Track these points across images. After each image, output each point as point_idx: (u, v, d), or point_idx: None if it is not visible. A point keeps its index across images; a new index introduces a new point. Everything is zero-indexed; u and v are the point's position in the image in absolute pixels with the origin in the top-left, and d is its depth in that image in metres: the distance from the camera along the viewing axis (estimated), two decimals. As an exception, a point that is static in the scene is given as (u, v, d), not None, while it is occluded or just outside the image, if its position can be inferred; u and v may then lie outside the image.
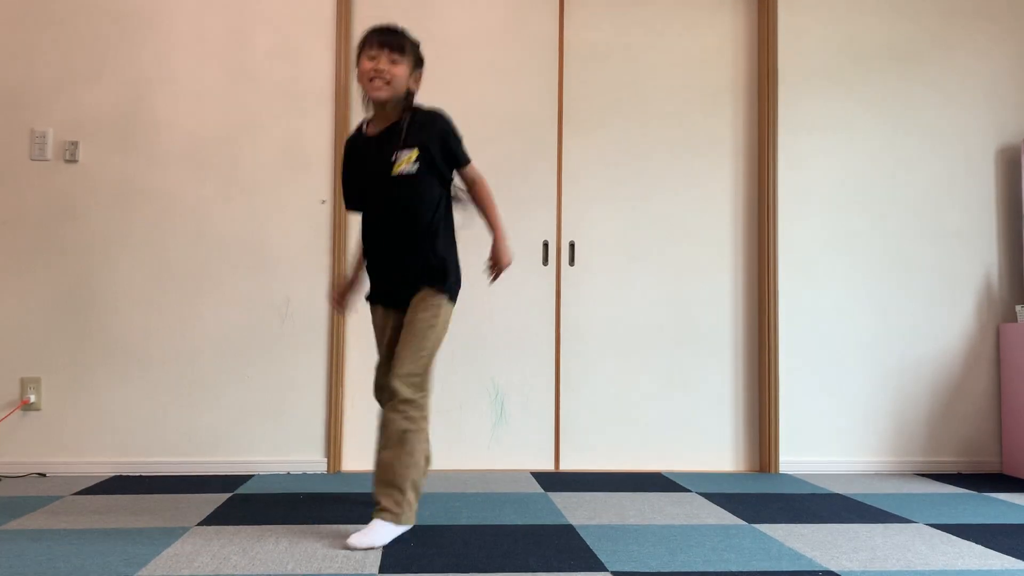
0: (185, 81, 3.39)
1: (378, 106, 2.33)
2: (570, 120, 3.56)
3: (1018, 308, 3.54)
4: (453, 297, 2.36)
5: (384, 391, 2.35)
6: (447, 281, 2.32)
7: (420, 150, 2.29)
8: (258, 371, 3.34)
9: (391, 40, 2.29)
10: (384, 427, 2.25)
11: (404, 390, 2.23)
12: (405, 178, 2.29)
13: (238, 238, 3.37)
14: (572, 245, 3.53)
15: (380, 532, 2.19)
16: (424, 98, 3.52)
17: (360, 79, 2.31)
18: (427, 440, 2.35)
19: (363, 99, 2.35)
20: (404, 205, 2.31)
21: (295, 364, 3.36)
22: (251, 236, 3.37)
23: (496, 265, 2.38)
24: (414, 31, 3.49)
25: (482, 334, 3.45)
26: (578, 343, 3.51)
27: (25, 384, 3.26)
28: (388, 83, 2.27)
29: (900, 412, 3.57)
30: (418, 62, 2.36)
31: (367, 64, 2.28)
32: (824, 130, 3.61)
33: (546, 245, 3.51)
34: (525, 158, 3.52)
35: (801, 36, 3.62)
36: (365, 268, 2.45)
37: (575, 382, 3.50)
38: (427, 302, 2.30)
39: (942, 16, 3.69)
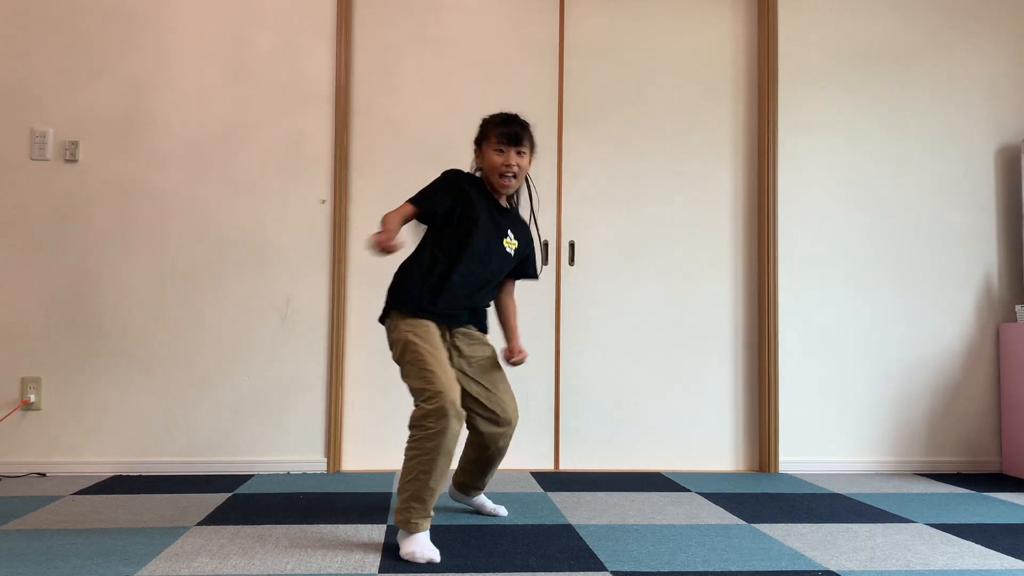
0: (185, 81, 3.39)
1: (496, 191, 2.44)
2: (570, 120, 3.56)
3: (1018, 308, 3.54)
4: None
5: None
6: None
7: (517, 245, 2.47)
8: (258, 371, 3.35)
9: (516, 135, 2.40)
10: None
11: None
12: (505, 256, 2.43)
13: (238, 238, 3.37)
14: (572, 245, 3.53)
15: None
16: (425, 98, 3.54)
17: (488, 171, 2.40)
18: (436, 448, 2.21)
19: (484, 179, 2.44)
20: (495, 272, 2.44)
21: (295, 364, 3.36)
22: (251, 236, 3.37)
23: (515, 362, 2.45)
24: (414, 31, 3.52)
25: (482, 334, 3.45)
26: (578, 343, 3.51)
27: (25, 384, 3.26)
28: (516, 177, 2.41)
29: (900, 412, 3.57)
30: (533, 147, 2.48)
31: (496, 158, 2.38)
32: (824, 130, 3.61)
33: (546, 245, 3.52)
34: (525, 158, 3.52)
35: (801, 36, 3.62)
36: (437, 287, 2.36)
37: (575, 382, 3.50)
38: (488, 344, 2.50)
39: (942, 17, 3.69)
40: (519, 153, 2.40)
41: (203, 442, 3.31)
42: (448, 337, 2.39)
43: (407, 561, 2.06)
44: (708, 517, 2.61)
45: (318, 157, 3.41)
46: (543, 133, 3.54)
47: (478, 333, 2.47)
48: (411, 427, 2.19)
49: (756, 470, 3.52)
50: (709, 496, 2.95)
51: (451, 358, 2.39)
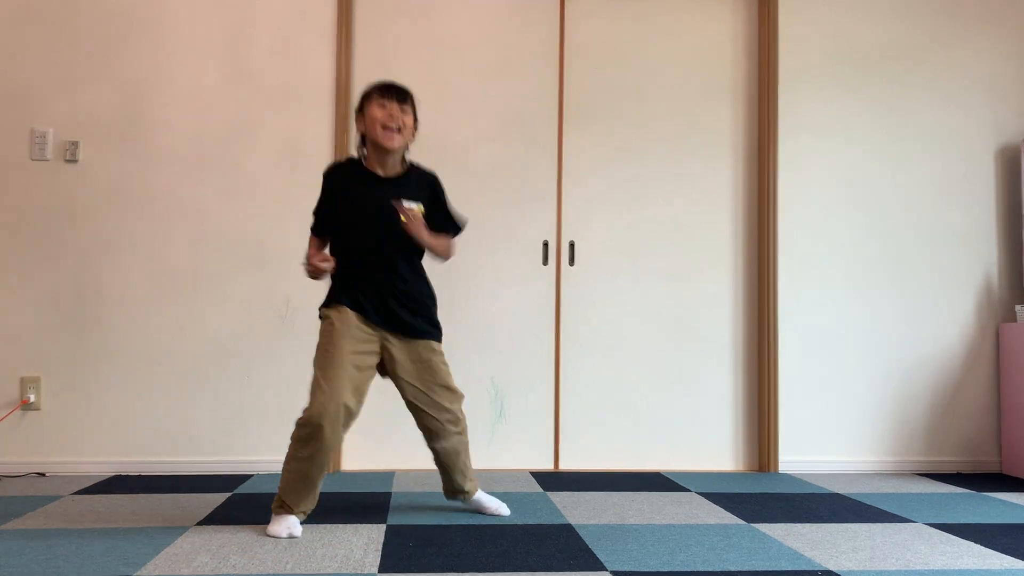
0: (185, 81, 3.39)
1: (382, 153, 2.41)
2: (570, 120, 3.56)
3: (1018, 308, 3.54)
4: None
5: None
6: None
7: (426, 207, 2.44)
8: (258, 371, 3.35)
9: (398, 93, 2.41)
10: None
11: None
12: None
13: (238, 238, 3.37)
14: (572, 245, 3.53)
15: None
16: (425, 98, 3.52)
17: (370, 126, 2.38)
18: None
19: (360, 145, 2.46)
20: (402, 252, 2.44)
21: (295, 364, 3.35)
22: (251, 236, 3.37)
23: (409, 225, 2.36)
24: (414, 31, 3.52)
25: (482, 334, 3.45)
26: (578, 343, 3.51)
27: (25, 384, 3.26)
28: (399, 132, 2.38)
29: (899, 412, 3.57)
30: (416, 120, 2.48)
31: (378, 112, 2.37)
32: (824, 130, 3.61)
33: (546, 245, 3.52)
34: (525, 158, 3.52)
35: (801, 36, 3.62)
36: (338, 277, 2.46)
37: (575, 382, 3.50)
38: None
39: (942, 16, 3.69)
40: (403, 111, 2.39)
41: (203, 441, 3.31)
42: (380, 342, 2.42)
43: (405, 560, 2.06)
44: (708, 517, 2.61)
45: (318, 157, 3.40)
46: (543, 133, 3.54)
47: (414, 338, 2.45)
48: (296, 425, 2.39)
49: (756, 470, 3.52)
50: (709, 496, 2.95)
51: (384, 364, 2.44)
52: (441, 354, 2.50)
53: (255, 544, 2.19)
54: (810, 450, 3.52)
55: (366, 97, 2.43)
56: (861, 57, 3.64)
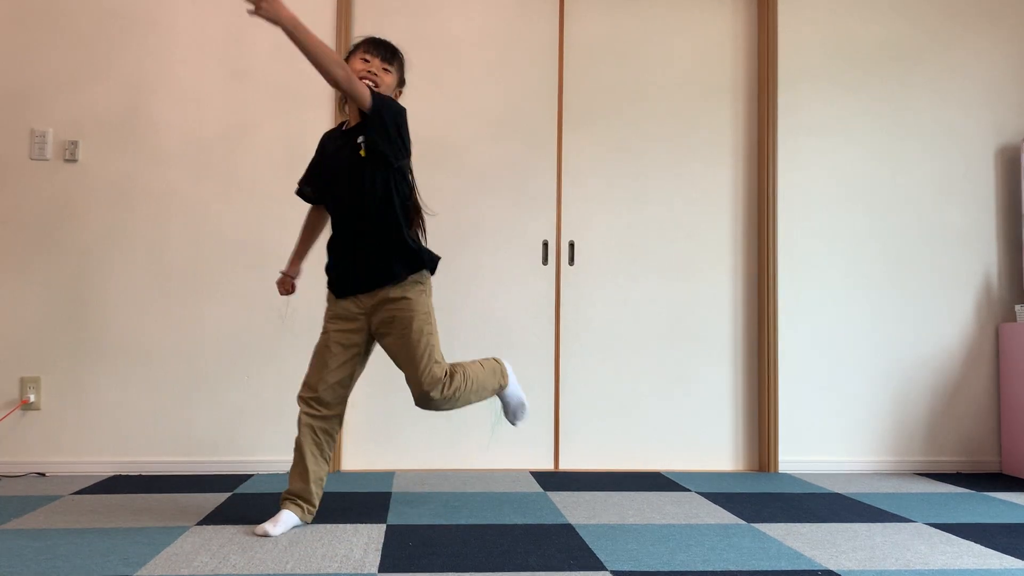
0: (185, 81, 3.39)
1: (355, 107, 2.37)
2: (570, 120, 3.56)
3: (1017, 308, 3.54)
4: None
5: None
6: None
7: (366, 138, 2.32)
8: (258, 371, 3.35)
9: (385, 50, 2.41)
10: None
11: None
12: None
13: (238, 238, 3.37)
14: (572, 245, 3.53)
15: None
16: (425, 98, 3.53)
17: None
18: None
19: (341, 99, 2.46)
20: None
21: (295, 364, 3.33)
22: (250, 236, 3.37)
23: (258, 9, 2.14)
24: (414, 31, 3.52)
25: (481, 333, 3.45)
26: (578, 343, 3.51)
27: (24, 384, 3.26)
28: (376, 86, 2.34)
29: (899, 412, 3.57)
30: (402, 80, 2.48)
31: (359, 64, 2.37)
32: (824, 130, 3.61)
33: (546, 245, 3.52)
34: (525, 158, 3.52)
35: (801, 36, 3.62)
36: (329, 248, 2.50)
37: (574, 382, 3.50)
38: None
39: (941, 16, 3.69)
40: (385, 70, 2.39)
41: (203, 442, 3.31)
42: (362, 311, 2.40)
43: (405, 560, 2.06)
44: (708, 517, 2.61)
45: (318, 157, 3.40)
46: (543, 133, 3.54)
47: (385, 292, 2.35)
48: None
49: (756, 470, 3.52)
50: (709, 496, 2.95)
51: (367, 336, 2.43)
52: (410, 305, 2.34)
53: (255, 544, 2.19)
54: (810, 450, 3.52)
55: (353, 49, 2.44)
56: (861, 57, 3.64)
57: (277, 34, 3.43)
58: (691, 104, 3.63)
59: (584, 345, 3.51)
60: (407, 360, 2.37)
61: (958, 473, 3.53)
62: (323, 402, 2.39)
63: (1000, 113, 3.69)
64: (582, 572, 1.98)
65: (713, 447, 3.54)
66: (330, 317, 2.44)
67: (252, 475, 3.24)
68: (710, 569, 2.03)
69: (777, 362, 3.51)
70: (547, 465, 3.48)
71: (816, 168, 3.60)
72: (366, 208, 2.34)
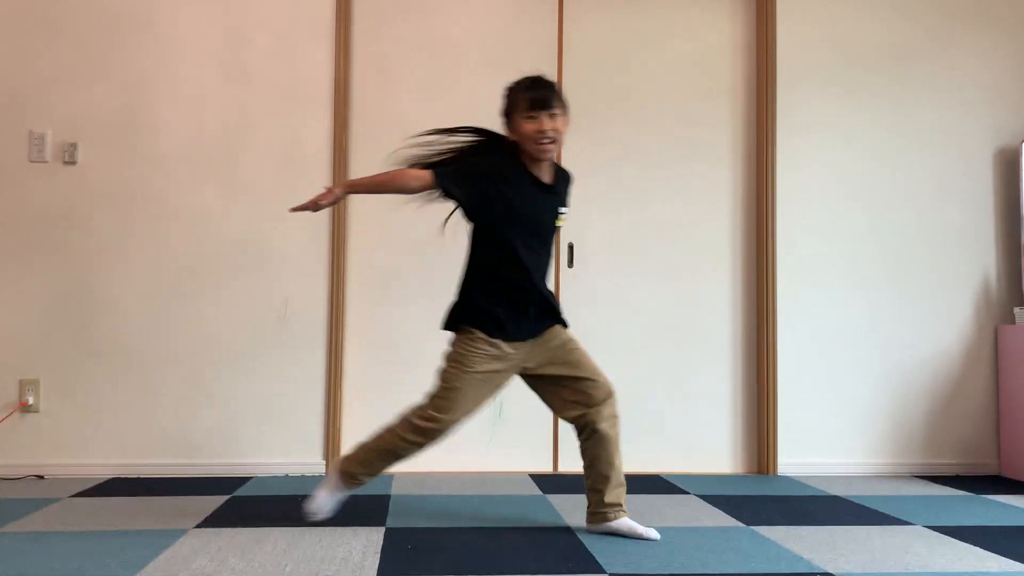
0: (184, 82, 3.39)
1: (535, 159, 2.35)
2: (569, 121, 3.54)
3: (1016, 310, 3.54)
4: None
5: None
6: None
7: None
8: (256, 373, 3.34)
9: (548, 99, 2.31)
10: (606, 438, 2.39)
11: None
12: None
13: (237, 239, 3.37)
14: (571, 247, 3.53)
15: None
16: (424, 98, 3.53)
17: (525, 140, 2.31)
18: None
19: (519, 149, 2.35)
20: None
21: (294, 366, 3.36)
22: (250, 237, 3.37)
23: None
24: (413, 31, 3.52)
25: (481, 336, 3.44)
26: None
27: (23, 386, 3.26)
28: (554, 142, 2.31)
29: (898, 414, 3.57)
30: (566, 108, 2.38)
31: (529, 125, 2.29)
32: (823, 131, 3.61)
33: (545, 247, 3.51)
34: (524, 160, 3.52)
35: (800, 37, 3.62)
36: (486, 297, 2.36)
37: (574, 384, 3.49)
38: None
39: (941, 17, 3.69)
40: (552, 117, 2.29)
41: (201, 444, 3.31)
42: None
43: (404, 562, 2.05)
44: (707, 519, 2.61)
45: (317, 158, 3.41)
46: (542, 135, 3.54)
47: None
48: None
49: (755, 472, 3.52)
50: (708, 498, 2.95)
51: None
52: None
53: (254, 546, 2.19)
54: (809, 452, 3.52)
55: (511, 100, 2.35)
56: (860, 57, 3.64)
57: (277, 34, 3.45)
58: (690, 104, 3.63)
59: (582, 346, 3.50)
60: None
61: (957, 475, 3.52)
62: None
63: (999, 114, 3.69)
64: (581, 575, 1.98)
65: (712, 449, 3.54)
66: (492, 357, 2.34)
67: (251, 478, 3.23)
68: (709, 572, 2.03)
69: (776, 364, 3.51)
70: (546, 468, 3.48)
71: (815, 168, 3.60)
72: (547, 271, 2.43)
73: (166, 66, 3.39)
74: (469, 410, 2.37)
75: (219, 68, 3.41)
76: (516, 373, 2.44)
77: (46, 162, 3.31)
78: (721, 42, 3.64)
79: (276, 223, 3.37)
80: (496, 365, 2.35)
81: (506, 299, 2.34)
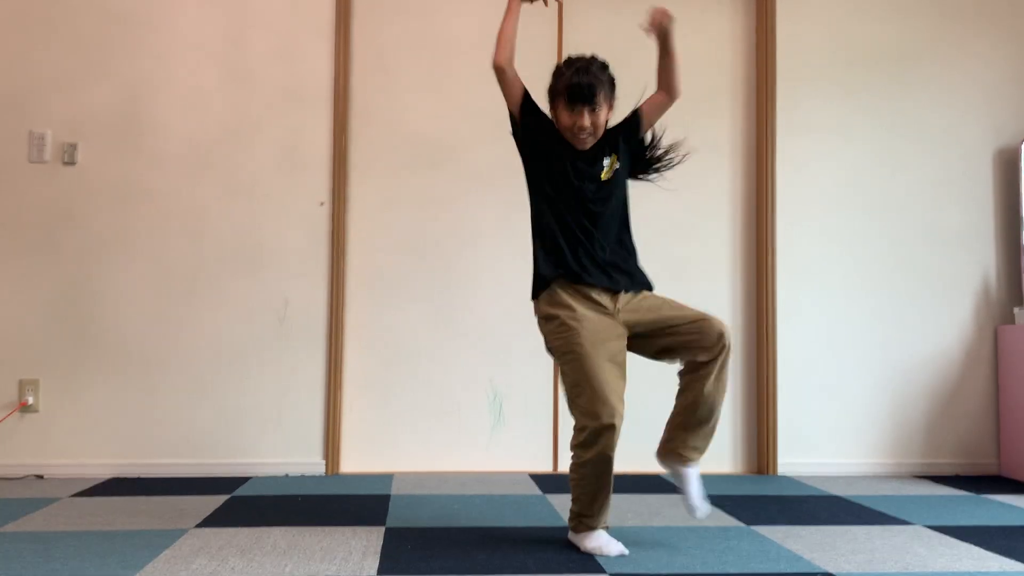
0: (184, 83, 3.39)
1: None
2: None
3: (1016, 310, 3.54)
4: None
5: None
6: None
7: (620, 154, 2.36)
8: (256, 373, 3.34)
9: (591, 93, 2.25)
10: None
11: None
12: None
13: (237, 240, 3.37)
14: (571, 247, 3.52)
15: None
16: (424, 99, 3.53)
17: (563, 129, 2.29)
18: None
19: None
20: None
21: (293, 366, 3.35)
22: (250, 238, 3.37)
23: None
24: (413, 31, 3.51)
25: (480, 335, 3.44)
26: (577, 345, 3.50)
27: (23, 386, 3.26)
28: (593, 135, 2.28)
29: (898, 414, 3.57)
30: (613, 90, 2.34)
31: (568, 120, 2.24)
32: (822, 132, 3.61)
33: (545, 247, 3.51)
34: (524, 160, 3.52)
35: (799, 38, 3.62)
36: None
37: (574, 384, 3.49)
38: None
39: (941, 18, 3.69)
40: (592, 111, 2.22)
41: (201, 444, 3.31)
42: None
43: (404, 562, 2.05)
44: (706, 519, 2.60)
45: (317, 159, 3.41)
46: (542, 135, 3.54)
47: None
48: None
49: (755, 472, 3.52)
50: (707, 498, 2.94)
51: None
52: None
53: (254, 546, 2.19)
54: (809, 452, 3.52)
55: (555, 85, 2.30)
56: (860, 57, 3.64)
57: (277, 35, 3.45)
58: (689, 104, 3.59)
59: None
60: None
61: (957, 475, 3.52)
62: None
63: (998, 115, 3.69)
64: (581, 575, 1.98)
65: (712, 449, 3.50)
66: (582, 298, 2.32)
67: (251, 478, 3.23)
68: (709, 572, 2.03)
69: (775, 364, 3.51)
70: (546, 467, 3.48)
71: (815, 168, 3.60)
72: (610, 229, 2.58)
73: (166, 66, 3.39)
74: (607, 380, 2.22)
75: (219, 68, 3.41)
76: (624, 331, 2.35)
77: (46, 162, 3.31)
78: (721, 43, 3.64)
79: (276, 223, 3.37)
80: (590, 311, 2.25)
81: (567, 252, 2.30)
